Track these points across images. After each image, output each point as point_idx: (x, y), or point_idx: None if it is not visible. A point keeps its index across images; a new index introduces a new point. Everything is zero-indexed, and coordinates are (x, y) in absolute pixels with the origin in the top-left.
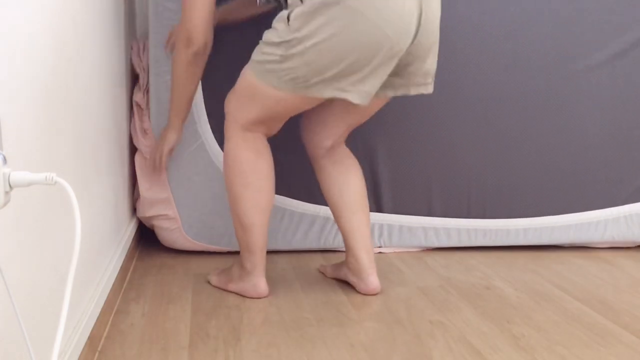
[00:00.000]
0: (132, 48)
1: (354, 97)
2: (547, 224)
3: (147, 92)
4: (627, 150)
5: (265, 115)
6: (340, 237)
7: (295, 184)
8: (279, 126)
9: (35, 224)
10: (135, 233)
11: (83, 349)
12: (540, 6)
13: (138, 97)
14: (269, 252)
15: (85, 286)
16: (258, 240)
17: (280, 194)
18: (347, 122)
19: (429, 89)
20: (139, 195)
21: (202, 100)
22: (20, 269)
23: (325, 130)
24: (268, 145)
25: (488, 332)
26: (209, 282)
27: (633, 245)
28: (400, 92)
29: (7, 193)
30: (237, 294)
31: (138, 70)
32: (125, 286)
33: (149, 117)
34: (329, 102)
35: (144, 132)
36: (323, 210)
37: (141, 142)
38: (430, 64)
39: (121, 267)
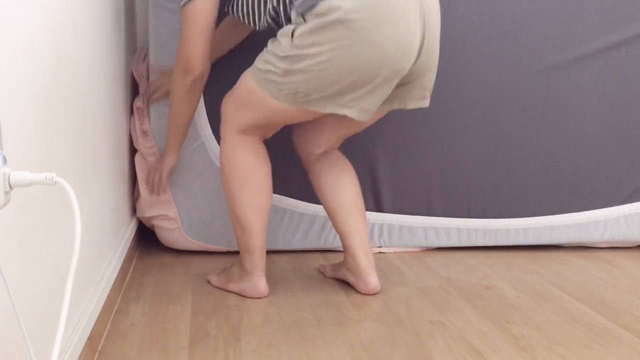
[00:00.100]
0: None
1: (353, 113)
2: (547, 224)
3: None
4: (627, 150)
5: (261, 122)
6: None
7: (295, 184)
8: (274, 131)
9: (35, 224)
10: (135, 233)
11: (83, 349)
12: (540, 6)
13: (138, 103)
14: (269, 252)
15: (85, 286)
16: (257, 241)
17: (280, 194)
18: (342, 132)
19: (425, 103)
20: (138, 195)
21: (202, 100)
22: (20, 269)
23: (318, 139)
24: (264, 147)
25: (488, 332)
26: (209, 282)
27: (633, 245)
28: (398, 107)
29: (7, 193)
30: (237, 294)
31: (138, 79)
32: (125, 286)
33: (148, 119)
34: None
35: (144, 133)
36: (323, 210)
37: (141, 144)
38: (429, 79)
39: (121, 267)
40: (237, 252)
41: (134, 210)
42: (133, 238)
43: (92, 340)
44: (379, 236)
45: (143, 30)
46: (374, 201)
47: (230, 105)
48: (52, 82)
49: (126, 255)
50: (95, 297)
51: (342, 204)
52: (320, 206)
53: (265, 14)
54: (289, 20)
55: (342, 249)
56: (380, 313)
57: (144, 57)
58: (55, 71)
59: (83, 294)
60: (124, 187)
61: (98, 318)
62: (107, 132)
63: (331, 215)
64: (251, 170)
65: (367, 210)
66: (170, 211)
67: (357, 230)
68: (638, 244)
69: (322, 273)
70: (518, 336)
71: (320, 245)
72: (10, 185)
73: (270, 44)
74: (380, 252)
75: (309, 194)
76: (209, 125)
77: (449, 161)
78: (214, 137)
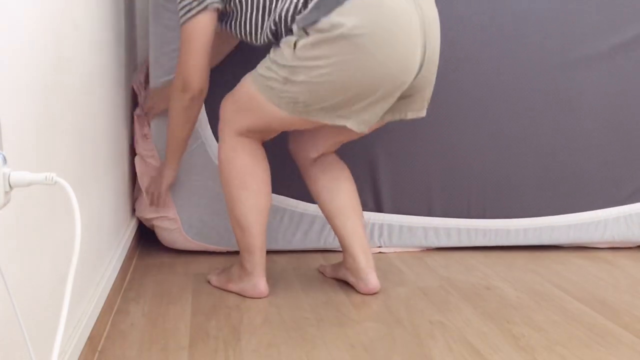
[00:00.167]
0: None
1: (352, 125)
2: (547, 224)
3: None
4: (627, 150)
5: (260, 127)
6: None
7: (295, 184)
8: (273, 136)
9: (35, 224)
10: (135, 233)
11: (83, 349)
12: (541, 6)
13: (138, 111)
14: (269, 252)
15: (85, 286)
16: (257, 241)
17: (280, 194)
18: (338, 139)
19: (423, 113)
20: (138, 195)
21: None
22: (20, 269)
23: (314, 145)
24: (263, 148)
25: (488, 332)
26: (209, 282)
27: (633, 246)
28: (398, 117)
29: (7, 193)
30: (237, 293)
31: (137, 91)
32: (125, 286)
33: (148, 122)
34: None
35: (144, 137)
36: None
37: (141, 147)
38: (429, 91)
39: (121, 267)
40: (237, 252)
41: (134, 210)
42: (133, 238)
43: (92, 340)
44: (379, 236)
45: (143, 30)
46: (374, 201)
47: (229, 107)
48: (52, 82)
49: (126, 255)
50: (95, 297)
51: (339, 207)
52: None
53: (265, 29)
54: (289, 32)
55: (341, 249)
56: (380, 313)
57: (145, 74)
58: (55, 71)
59: (83, 294)
60: (124, 187)
61: (98, 318)
62: (107, 132)
63: (329, 218)
64: (250, 171)
65: (367, 210)
66: (170, 212)
67: (356, 232)
68: (638, 244)
69: (322, 273)
70: (518, 336)
71: (320, 245)
72: (10, 185)
73: (272, 52)
74: (380, 252)
75: (309, 195)
76: (209, 126)
77: (449, 161)
78: (214, 137)
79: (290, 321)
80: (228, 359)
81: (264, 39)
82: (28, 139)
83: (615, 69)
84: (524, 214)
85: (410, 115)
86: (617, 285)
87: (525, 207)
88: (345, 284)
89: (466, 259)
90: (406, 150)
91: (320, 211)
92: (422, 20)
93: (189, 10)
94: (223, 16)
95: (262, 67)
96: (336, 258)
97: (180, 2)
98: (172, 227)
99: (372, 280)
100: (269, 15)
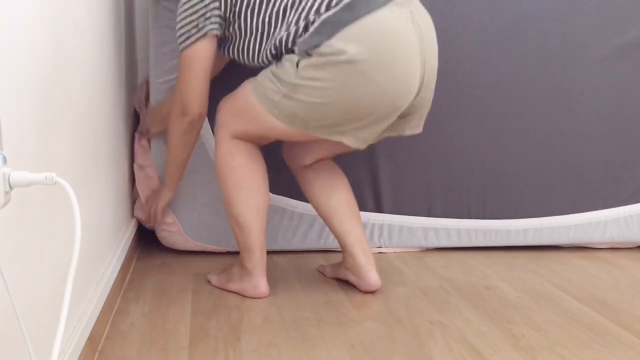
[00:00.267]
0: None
1: (350, 141)
2: (547, 225)
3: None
4: (628, 151)
5: (256, 134)
6: None
7: (295, 185)
8: (268, 142)
9: (36, 224)
10: (135, 233)
11: (83, 349)
12: (540, 6)
13: (137, 129)
14: (269, 252)
15: (85, 286)
16: (256, 240)
17: (280, 194)
18: (333, 150)
19: (420, 129)
20: (137, 195)
21: None
22: (20, 269)
23: (309, 155)
24: (259, 150)
25: (488, 332)
26: (209, 282)
27: (633, 246)
28: (394, 134)
29: (7, 193)
30: (237, 293)
31: (138, 109)
32: (125, 286)
33: (148, 141)
34: None
35: (143, 148)
36: None
37: (140, 158)
38: (427, 109)
39: (121, 267)
40: (237, 253)
41: (133, 210)
42: (133, 238)
43: (92, 340)
44: (379, 236)
45: (143, 30)
46: (374, 201)
47: (226, 111)
48: (52, 82)
49: (126, 256)
50: (95, 297)
51: (336, 207)
52: None
53: (264, 52)
54: (290, 52)
55: (341, 250)
56: (380, 313)
57: (146, 93)
58: (55, 71)
59: (83, 294)
60: (124, 187)
61: (98, 318)
62: (107, 132)
63: (326, 218)
64: (246, 170)
65: (367, 210)
66: (168, 218)
67: (354, 230)
68: (638, 245)
69: (322, 273)
70: (518, 336)
71: (320, 245)
72: (10, 185)
73: (275, 66)
74: (380, 252)
75: None
76: (209, 126)
77: (449, 161)
78: (213, 138)
79: (290, 321)
80: (228, 359)
81: (263, 61)
82: (28, 139)
83: (616, 69)
84: (524, 215)
85: (408, 132)
86: (617, 285)
87: (526, 208)
88: (345, 284)
89: (466, 259)
90: (406, 150)
91: None
92: (421, 39)
93: (188, 37)
94: (222, 41)
95: (263, 77)
96: (336, 258)
97: (179, 29)
98: (172, 229)
99: (372, 277)
100: (268, 40)
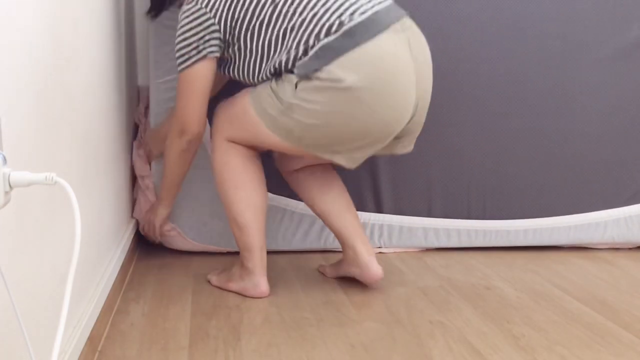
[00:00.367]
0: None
1: (343, 161)
2: (547, 225)
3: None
4: (628, 151)
5: (251, 143)
6: None
7: None
8: (262, 151)
9: (36, 224)
10: (135, 233)
11: (83, 349)
12: (540, 5)
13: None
14: (269, 253)
15: (85, 286)
16: (255, 240)
17: (281, 194)
18: (324, 161)
19: (411, 148)
20: (136, 196)
21: None
22: (20, 269)
23: (300, 162)
24: (255, 151)
25: (488, 332)
26: (209, 282)
27: (633, 247)
28: (387, 153)
29: (7, 193)
30: (237, 293)
31: (138, 121)
32: (125, 286)
33: (148, 161)
34: None
35: (141, 158)
36: None
37: (138, 169)
38: (418, 132)
39: (121, 267)
40: (237, 253)
41: (133, 210)
42: (133, 238)
43: (92, 340)
44: (379, 236)
45: (143, 30)
46: (374, 201)
47: (223, 117)
48: (52, 82)
49: (126, 256)
50: (95, 297)
51: (332, 204)
52: None
53: (263, 72)
54: (289, 72)
55: (341, 250)
56: (380, 313)
57: (145, 104)
58: (55, 71)
59: (83, 294)
60: (124, 187)
61: (98, 318)
62: (107, 132)
63: (324, 216)
64: (243, 171)
65: (367, 210)
66: (166, 226)
67: (351, 223)
68: (638, 245)
69: (322, 273)
70: (518, 336)
71: (320, 245)
72: (10, 185)
73: (274, 83)
74: (380, 253)
75: None
76: (208, 126)
77: (449, 162)
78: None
79: (290, 321)
80: (228, 359)
81: (262, 79)
82: (28, 139)
83: (616, 70)
84: (524, 215)
85: (399, 151)
86: (617, 285)
87: (525, 208)
88: (345, 284)
89: (466, 259)
90: None
91: None
92: (416, 65)
93: (187, 59)
94: (221, 62)
95: (262, 90)
96: (336, 258)
97: (178, 50)
98: (172, 234)
99: (374, 266)
100: (268, 62)
